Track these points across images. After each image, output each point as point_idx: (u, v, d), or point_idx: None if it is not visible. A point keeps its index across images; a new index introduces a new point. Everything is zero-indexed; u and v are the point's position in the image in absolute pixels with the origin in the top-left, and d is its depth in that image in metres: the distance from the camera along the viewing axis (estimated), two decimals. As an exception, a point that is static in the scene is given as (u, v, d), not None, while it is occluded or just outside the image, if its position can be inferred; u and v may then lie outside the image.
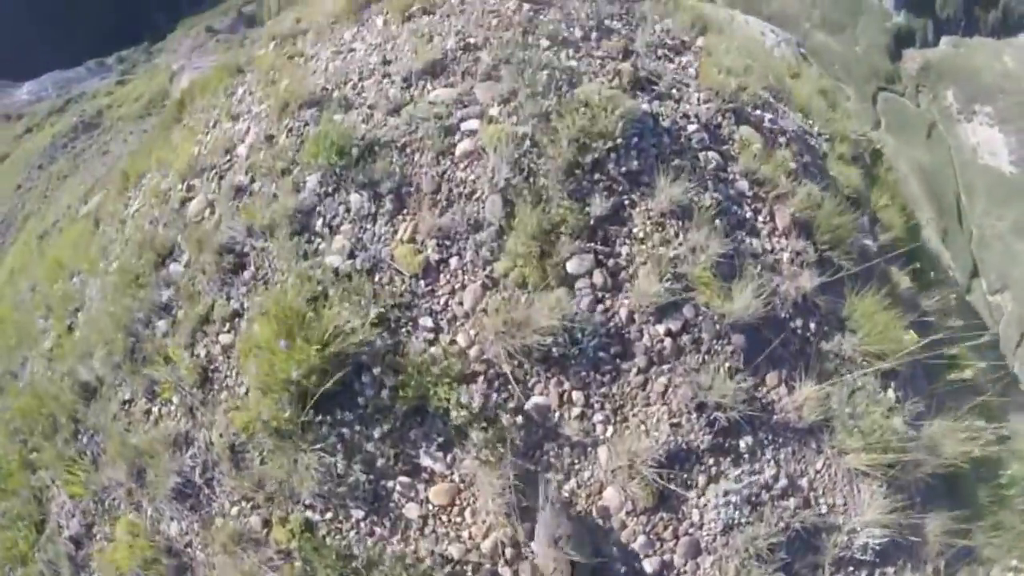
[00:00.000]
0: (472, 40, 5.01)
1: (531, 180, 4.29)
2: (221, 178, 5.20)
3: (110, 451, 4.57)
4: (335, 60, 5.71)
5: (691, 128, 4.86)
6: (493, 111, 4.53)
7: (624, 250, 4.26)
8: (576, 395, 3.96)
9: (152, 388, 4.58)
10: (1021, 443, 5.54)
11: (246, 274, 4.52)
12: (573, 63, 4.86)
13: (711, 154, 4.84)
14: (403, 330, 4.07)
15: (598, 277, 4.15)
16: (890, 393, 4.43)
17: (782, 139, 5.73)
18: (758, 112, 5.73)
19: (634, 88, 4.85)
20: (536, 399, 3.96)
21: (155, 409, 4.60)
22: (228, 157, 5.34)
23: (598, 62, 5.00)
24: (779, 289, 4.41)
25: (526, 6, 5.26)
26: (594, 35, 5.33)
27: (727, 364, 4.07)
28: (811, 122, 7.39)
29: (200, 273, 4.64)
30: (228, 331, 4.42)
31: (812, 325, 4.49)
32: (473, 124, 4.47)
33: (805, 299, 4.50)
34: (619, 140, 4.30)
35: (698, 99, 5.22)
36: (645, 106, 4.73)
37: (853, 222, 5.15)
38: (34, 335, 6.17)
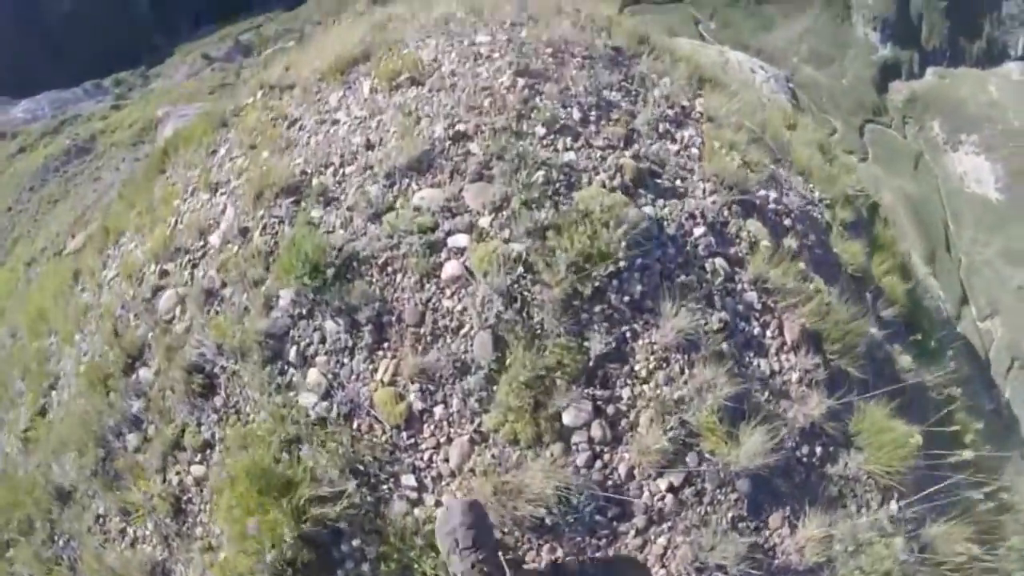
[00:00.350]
0: (462, 127, 4.64)
1: (525, 314, 3.91)
2: (194, 267, 4.98)
3: (86, 563, 4.43)
4: (317, 133, 5.43)
5: (697, 232, 4.52)
6: (483, 222, 4.13)
7: (625, 392, 3.89)
8: (569, 561, 3.62)
9: (126, 508, 4.41)
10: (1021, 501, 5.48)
11: (217, 400, 4.26)
12: (571, 156, 4.52)
13: (718, 261, 4.50)
14: (384, 487, 3.72)
15: (596, 430, 3.78)
16: (892, 505, 4.22)
17: (787, 221, 5.52)
18: (763, 193, 5.50)
19: (637, 186, 4.51)
20: (526, 568, 3.63)
21: (130, 530, 4.45)
22: (202, 243, 5.09)
23: (599, 154, 4.65)
24: (787, 417, 4.10)
25: (521, 81, 4.95)
26: (593, 115, 5.02)
27: (730, 514, 3.75)
28: (812, 185, 7.33)
29: (169, 391, 4.40)
30: (200, 462, 4.19)
31: (818, 450, 4.18)
32: (461, 240, 4.06)
33: (813, 425, 4.19)
34: (622, 263, 3.95)
35: (703, 190, 4.91)
36: (649, 209, 4.41)
37: (862, 326, 4.89)
38: (10, 395, 6.24)
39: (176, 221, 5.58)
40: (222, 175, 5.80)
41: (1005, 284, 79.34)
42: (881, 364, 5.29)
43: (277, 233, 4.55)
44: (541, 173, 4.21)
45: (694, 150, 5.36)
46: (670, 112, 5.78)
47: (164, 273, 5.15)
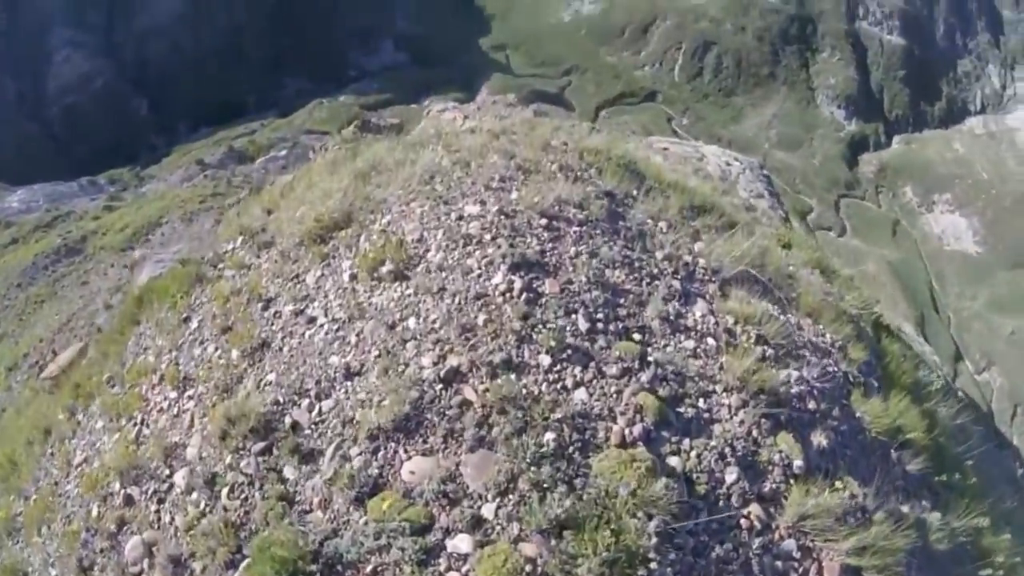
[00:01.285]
0: (454, 361, 4.05)
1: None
2: (160, 502, 4.49)
3: None
4: (292, 334, 4.97)
5: (730, 479, 3.97)
6: (487, 511, 3.46)
7: None
8: None
9: None
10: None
11: None
12: (583, 396, 3.97)
13: (754, 510, 3.95)
14: None
15: None
16: None
17: (812, 403, 5.13)
18: (784, 379, 5.05)
19: (660, 428, 3.96)
20: None
21: None
22: (168, 471, 4.63)
23: (613, 388, 4.09)
24: None
25: (517, 281, 4.47)
26: (601, 317, 4.55)
27: None
28: (821, 327, 7.04)
29: None
30: None
31: None
32: (463, 545, 3.33)
33: None
34: (653, 564, 3.31)
35: (729, 408, 4.39)
36: (675, 460, 3.87)
37: (899, 542, 4.41)
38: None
39: (143, 420, 5.25)
40: (191, 366, 5.44)
41: (997, 333, 79.97)
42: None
43: (247, 499, 3.92)
44: (551, 436, 3.62)
45: (710, 340, 4.91)
46: (676, 284, 5.41)
47: (129, 500, 4.68)
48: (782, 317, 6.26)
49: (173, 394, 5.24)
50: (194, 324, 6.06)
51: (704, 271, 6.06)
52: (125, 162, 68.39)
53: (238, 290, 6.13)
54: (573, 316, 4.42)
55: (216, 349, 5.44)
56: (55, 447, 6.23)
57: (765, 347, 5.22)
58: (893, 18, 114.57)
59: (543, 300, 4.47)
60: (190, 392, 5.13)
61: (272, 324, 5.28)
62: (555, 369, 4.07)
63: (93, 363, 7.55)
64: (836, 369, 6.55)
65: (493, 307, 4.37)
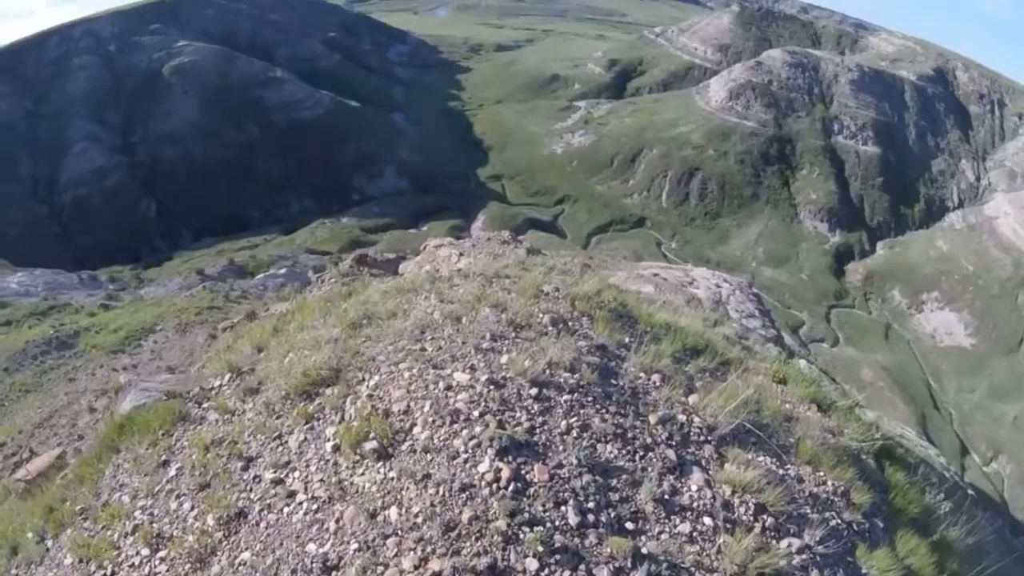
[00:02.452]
0: (436, 567, 3.77)
1: None
2: None
3: None
4: (271, 507, 4.78)
5: None
6: None
7: None
8: None
9: None
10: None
11: None
12: None
13: None
14: None
15: None
16: None
17: (815, 572, 4.87)
18: (785, 544, 4.86)
19: None
20: None
21: None
22: None
23: None
24: None
25: (505, 469, 4.30)
26: (592, 506, 4.35)
27: None
28: (822, 474, 6.89)
29: None
30: None
31: None
32: None
33: None
34: None
35: None
36: None
37: None
38: None
39: (112, 573, 5.10)
40: (166, 522, 5.34)
41: (1000, 421, 79.02)
42: None
43: None
44: None
45: (707, 520, 4.67)
46: (671, 454, 5.22)
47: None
48: (781, 471, 6.10)
49: (145, 551, 5.04)
50: (172, 471, 5.96)
51: (700, 430, 5.93)
52: (127, 260, 69.76)
53: (220, 440, 6.02)
54: (563, 508, 4.21)
55: (192, 508, 5.29)
56: (21, 569, 6.05)
57: (765, 516, 5.04)
58: (866, 129, 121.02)
59: (531, 490, 4.28)
60: (163, 553, 4.93)
61: (251, 491, 5.11)
62: (543, 574, 3.83)
63: (68, 485, 7.33)
64: (839, 522, 6.33)
65: (479, 500, 4.17)
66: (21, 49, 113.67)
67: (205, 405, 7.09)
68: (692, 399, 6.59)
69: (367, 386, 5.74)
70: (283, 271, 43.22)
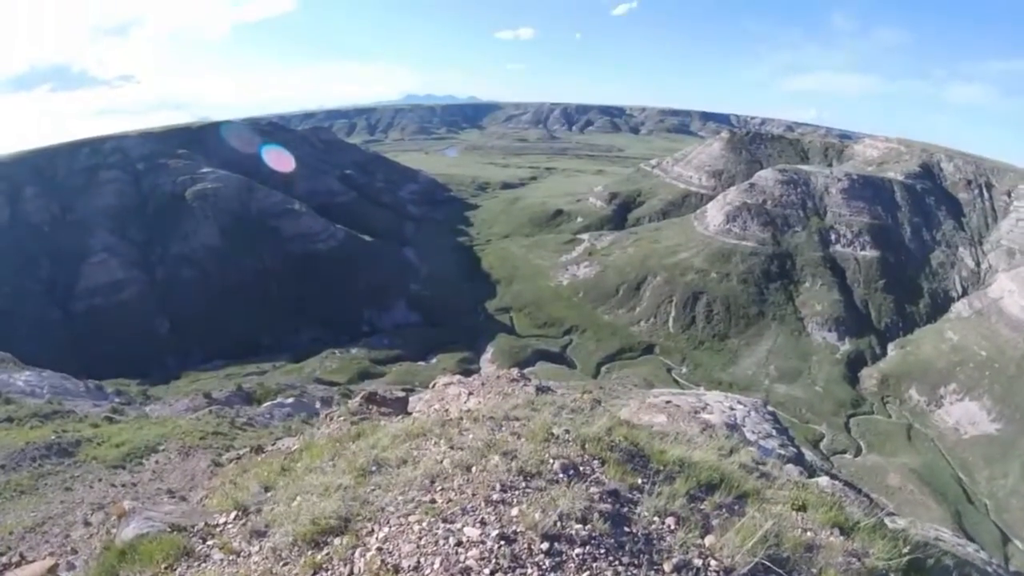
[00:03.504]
0: None
1: None
2: None
3: None
4: None
5: None
6: None
7: None
8: None
9: None
10: None
11: None
12: None
13: None
14: None
15: None
16: None
17: None
18: None
19: None
20: None
21: None
22: None
23: None
24: None
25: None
26: None
27: None
28: None
29: None
30: None
31: None
32: None
33: None
34: None
35: None
36: None
37: None
38: None
39: None
40: None
41: None
42: None
43: None
44: None
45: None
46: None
47: None
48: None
49: None
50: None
51: (717, 574, 5.74)
52: (135, 373, 69.79)
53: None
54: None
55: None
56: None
57: None
58: (862, 234, 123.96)
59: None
60: None
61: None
62: None
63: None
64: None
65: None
66: (54, 154, 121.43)
67: (210, 542, 6.96)
68: (708, 540, 6.44)
69: (376, 538, 5.70)
70: (290, 401, 42.96)
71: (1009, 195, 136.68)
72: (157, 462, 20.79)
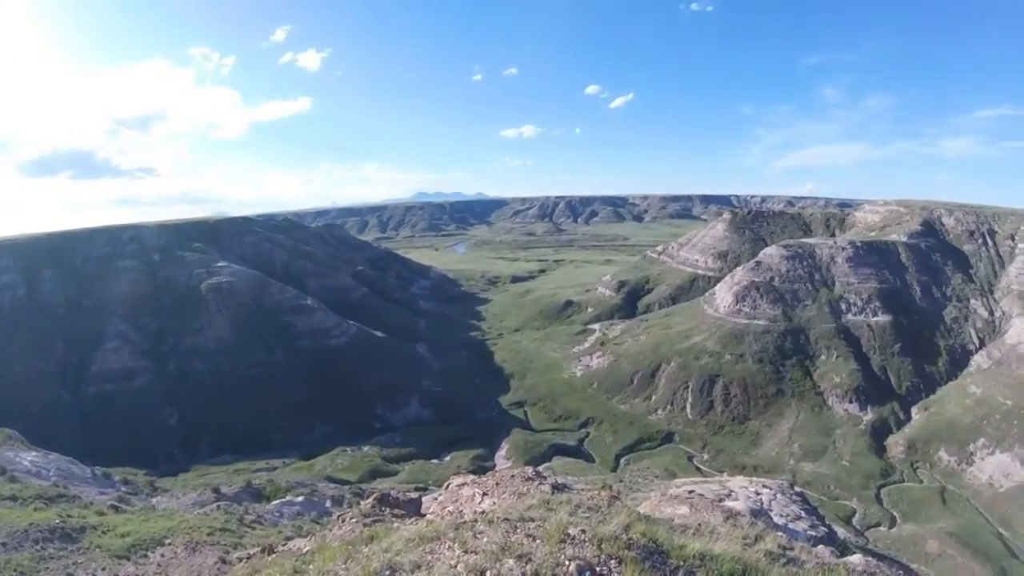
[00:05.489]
0: None
1: None
2: None
3: None
4: None
5: None
6: None
7: None
8: None
9: None
10: None
11: None
12: None
13: None
14: None
15: None
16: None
17: None
18: None
19: None
20: None
21: None
22: None
23: None
24: None
25: None
26: None
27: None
28: None
29: None
30: None
31: None
32: None
33: None
34: None
35: None
36: None
37: None
38: None
39: None
40: None
41: None
42: None
43: None
44: None
45: None
46: None
47: None
48: None
49: None
50: None
51: None
52: (142, 463, 68.52)
53: None
54: None
55: None
56: None
57: None
58: (873, 300, 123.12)
59: None
60: None
61: None
62: None
63: None
64: None
65: None
66: (73, 239, 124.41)
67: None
68: None
69: None
70: (300, 499, 42.13)
71: (1013, 239, 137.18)
72: (163, 556, 20.32)
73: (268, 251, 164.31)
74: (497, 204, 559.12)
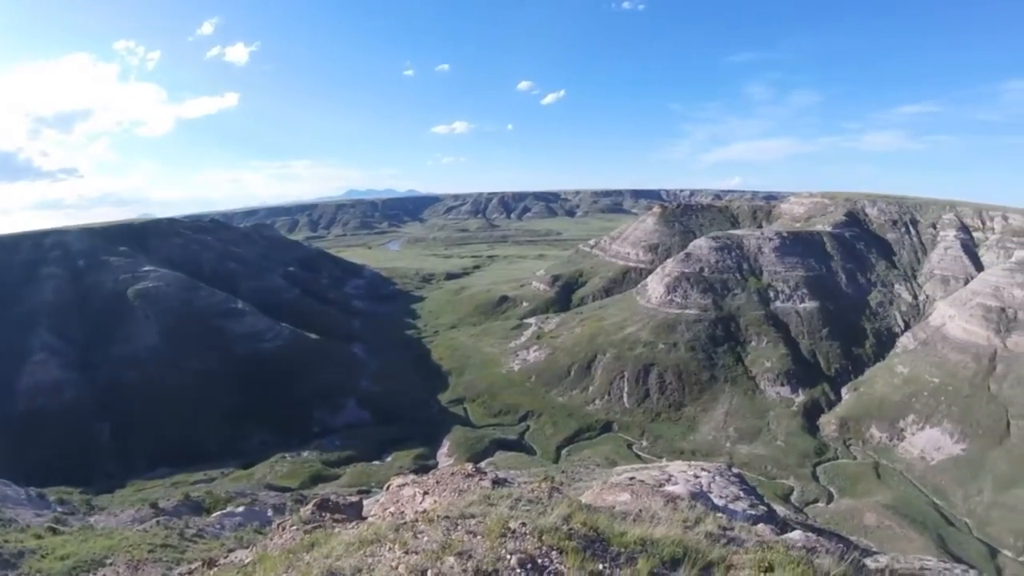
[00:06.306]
0: None
1: None
2: None
3: None
4: None
5: None
6: None
7: None
8: None
9: None
10: None
11: None
12: None
13: None
14: None
15: None
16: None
17: None
18: None
19: None
20: None
21: None
22: None
23: None
24: None
25: None
26: None
27: None
28: None
29: None
30: None
31: None
32: None
33: None
34: None
35: None
36: None
37: None
38: None
39: None
40: None
41: (1018, 509, 76.10)
42: None
43: None
44: None
45: None
46: None
47: None
48: None
49: None
50: None
51: None
52: (78, 481, 65.30)
53: None
54: None
55: None
56: None
57: None
58: (800, 288, 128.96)
59: None
60: None
61: None
62: None
63: None
64: None
65: None
66: None
67: None
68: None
69: None
70: (241, 509, 41.02)
71: (934, 227, 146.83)
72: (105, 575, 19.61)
73: (196, 253, 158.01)
74: (430, 201, 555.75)
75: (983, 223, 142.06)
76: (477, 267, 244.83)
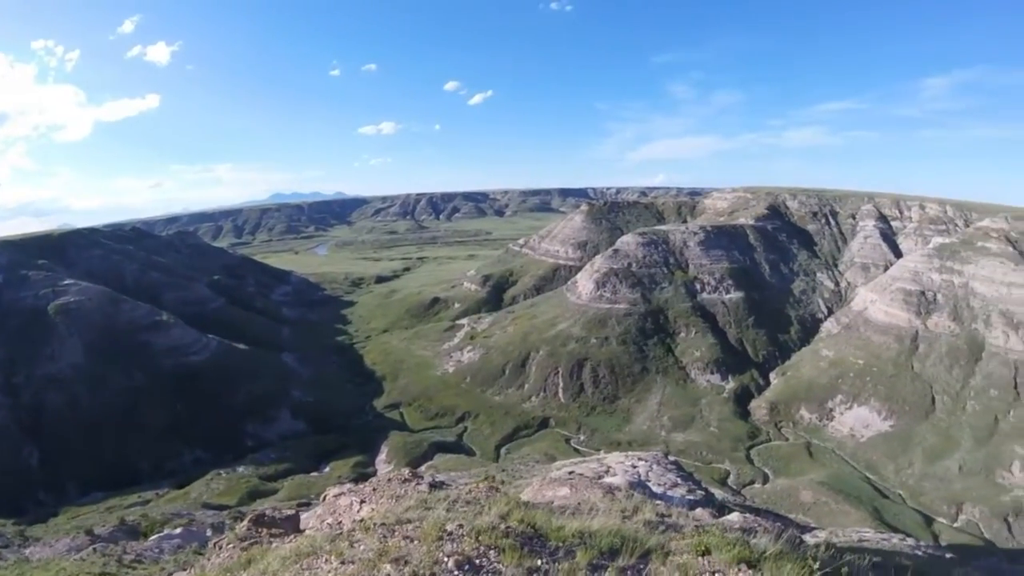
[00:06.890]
0: None
1: None
2: None
3: None
4: None
5: None
6: None
7: None
8: None
9: None
10: None
11: None
12: None
13: None
14: None
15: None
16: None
17: None
18: None
19: None
20: None
21: None
22: None
23: None
24: None
25: None
26: None
27: None
28: None
29: None
30: None
31: None
32: None
33: None
34: None
35: None
36: None
37: None
38: None
39: None
40: None
41: (948, 478, 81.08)
42: None
43: None
44: None
45: None
46: None
47: None
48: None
49: None
50: None
51: None
52: (8, 512, 61.39)
53: None
54: None
55: None
56: None
57: None
58: (725, 279, 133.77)
59: None
60: None
61: None
62: None
63: None
64: None
65: None
66: None
67: None
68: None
69: None
70: (179, 531, 39.56)
71: (854, 217, 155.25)
72: (45, 608, 18.52)
73: (117, 264, 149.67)
74: (357, 203, 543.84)
75: (901, 212, 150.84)
76: (407, 269, 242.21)
